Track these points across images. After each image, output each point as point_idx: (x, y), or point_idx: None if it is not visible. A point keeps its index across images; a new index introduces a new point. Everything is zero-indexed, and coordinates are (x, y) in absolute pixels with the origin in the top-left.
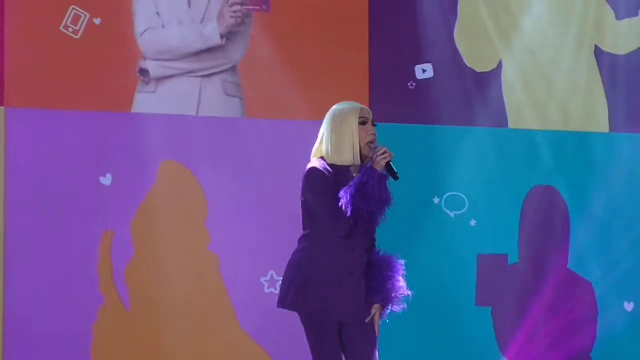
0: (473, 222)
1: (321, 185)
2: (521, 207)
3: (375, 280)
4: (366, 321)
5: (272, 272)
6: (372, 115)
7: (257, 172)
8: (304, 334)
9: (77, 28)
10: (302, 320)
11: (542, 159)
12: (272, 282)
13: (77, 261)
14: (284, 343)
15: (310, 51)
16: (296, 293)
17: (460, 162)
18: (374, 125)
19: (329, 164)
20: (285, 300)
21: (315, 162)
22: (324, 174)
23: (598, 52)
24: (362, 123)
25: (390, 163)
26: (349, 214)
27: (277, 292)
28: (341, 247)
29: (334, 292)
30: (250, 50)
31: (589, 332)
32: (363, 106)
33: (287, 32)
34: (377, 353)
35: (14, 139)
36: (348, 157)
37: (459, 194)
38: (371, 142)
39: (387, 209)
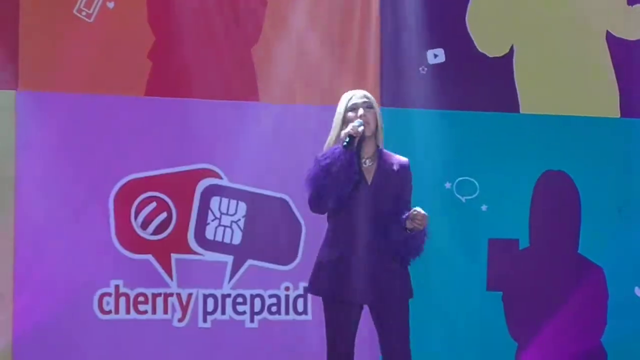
0: (484, 207)
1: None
2: (532, 192)
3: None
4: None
5: None
6: (371, 99)
7: (272, 156)
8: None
9: (91, 11)
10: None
11: (553, 144)
12: None
13: (89, 244)
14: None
15: (322, 36)
16: (310, 276)
17: (471, 147)
18: (369, 108)
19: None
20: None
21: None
22: (316, 158)
23: (609, 37)
24: (352, 109)
25: (353, 135)
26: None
27: None
28: (342, 226)
29: (339, 270)
30: (263, 36)
31: (599, 317)
32: (359, 92)
33: (299, 17)
34: (407, 336)
35: (26, 121)
36: (338, 141)
37: (470, 179)
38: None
39: (346, 181)
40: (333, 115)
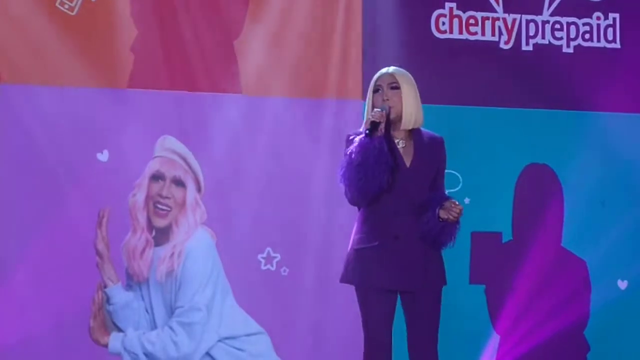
0: (467, 200)
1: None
2: (515, 185)
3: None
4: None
5: (268, 249)
6: (399, 78)
7: (253, 148)
8: (300, 310)
9: (73, 4)
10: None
11: (536, 137)
12: (268, 259)
13: (74, 239)
14: (280, 320)
15: (304, 28)
16: (345, 265)
17: (454, 140)
18: (394, 89)
19: None
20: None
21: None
22: (347, 138)
23: None
24: (375, 90)
25: (375, 121)
26: (344, 184)
27: (274, 269)
28: (380, 212)
29: (378, 258)
30: (246, 28)
31: (582, 310)
32: (386, 71)
33: (281, 8)
34: (437, 330)
35: (8, 115)
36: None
37: (453, 172)
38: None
39: (382, 168)
40: (318, 109)
